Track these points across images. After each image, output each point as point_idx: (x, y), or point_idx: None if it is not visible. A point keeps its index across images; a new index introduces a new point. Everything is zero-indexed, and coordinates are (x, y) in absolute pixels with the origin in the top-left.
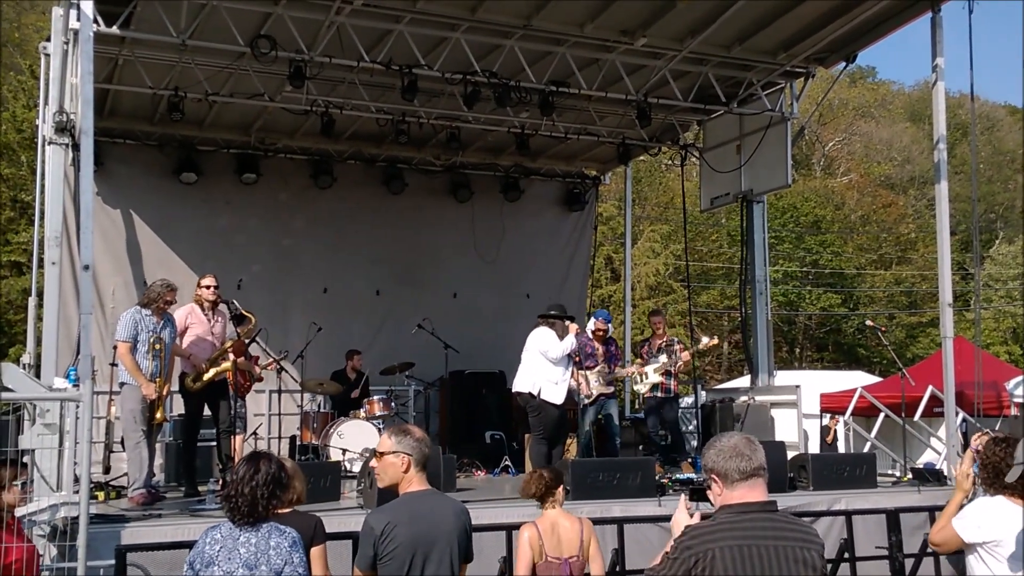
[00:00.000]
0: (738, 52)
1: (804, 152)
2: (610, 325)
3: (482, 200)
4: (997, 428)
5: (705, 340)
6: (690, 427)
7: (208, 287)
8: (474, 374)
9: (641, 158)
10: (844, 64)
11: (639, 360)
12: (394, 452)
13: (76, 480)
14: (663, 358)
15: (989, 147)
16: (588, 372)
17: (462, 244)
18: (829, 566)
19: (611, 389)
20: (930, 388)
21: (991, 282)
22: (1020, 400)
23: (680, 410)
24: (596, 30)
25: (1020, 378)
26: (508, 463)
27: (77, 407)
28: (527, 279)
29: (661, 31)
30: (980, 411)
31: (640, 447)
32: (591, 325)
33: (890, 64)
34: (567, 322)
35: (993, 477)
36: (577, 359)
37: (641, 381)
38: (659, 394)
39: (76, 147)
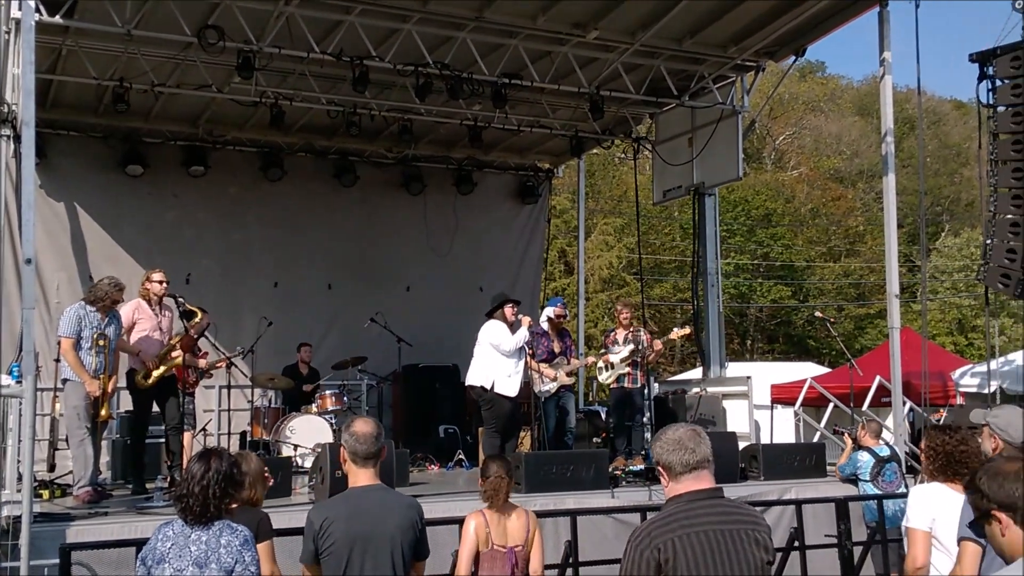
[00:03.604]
0: (689, 45)
1: (755, 146)
2: (567, 310)
3: (435, 193)
4: (942, 416)
5: (676, 330)
6: (644, 419)
7: (159, 282)
8: (427, 368)
9: (594, 151)
10: (794, 58)
11: (602, 350)
12: (341, 444)
13: (19, 478)
14: (629, 348)
15: (935, 141)
16: (545, 366)
17: (415, 237)
18: (779, 555)
19: (572, 381)
20: (878, 378)
21: (937, 274)
22: (965, 389)
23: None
24: (548, 23)
25: (965, 368)
26: (462, 457)
27: (20, 403)
28: (480, 272)
29: (613, 24)
30: (927, 400)
31: (594, 439)
32: (549, 313)
33: (839, 59)
34: (511, 309)
35: (945, 464)
36: (531, 352)
37: (608, 370)
38: (626, 384)
39: (18, 139)
